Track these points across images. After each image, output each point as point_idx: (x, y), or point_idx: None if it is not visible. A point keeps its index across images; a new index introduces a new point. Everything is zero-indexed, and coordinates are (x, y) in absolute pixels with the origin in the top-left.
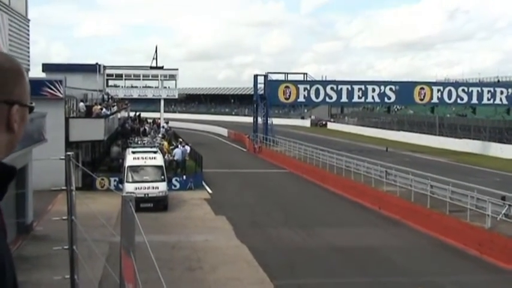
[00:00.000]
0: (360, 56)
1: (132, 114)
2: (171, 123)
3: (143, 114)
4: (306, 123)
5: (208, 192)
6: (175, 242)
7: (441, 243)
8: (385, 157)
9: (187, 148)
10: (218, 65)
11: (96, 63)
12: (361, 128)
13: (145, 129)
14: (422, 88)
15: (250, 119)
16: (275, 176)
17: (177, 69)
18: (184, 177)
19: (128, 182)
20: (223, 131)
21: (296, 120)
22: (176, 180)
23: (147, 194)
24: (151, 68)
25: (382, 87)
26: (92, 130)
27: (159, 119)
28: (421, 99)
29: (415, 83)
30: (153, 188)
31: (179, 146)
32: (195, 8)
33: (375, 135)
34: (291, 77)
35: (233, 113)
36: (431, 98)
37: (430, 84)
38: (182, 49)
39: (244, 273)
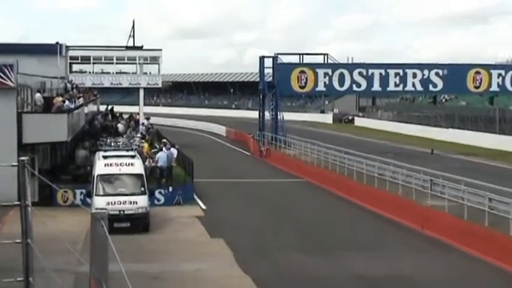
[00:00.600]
0: (395, 33)
1: (103, 108)
2: (153, 120)
3: (117, 108)
4: (327, 118)
5: (201, 208)
6: (158, 272)
7: (504, 273)
8: (429, 162)
9: (174, 151)
10: (213, 44)
11: (57, 43)
12: (399, 124)
13: (119, 128)
14: (477, 72)
15: (254, 114)
16: (287, 186)
17: (160, 50)
18: (170, 188)
19: (98, 195)
20: (221, 130)
21: (314, 115)
22: (160, 192)
23: (123, 211)
24: (128, 48)
25: (426, 72)
26: (52, 129)
27: (138, 114)
28: (477, 87)
29: (468, 66)
30: (131, 202)
31: (163, 148)
32: None
33: (417, 133)
34: (307, 59)
35: (233, 106)
36: (490, 85)
37: (488, 67)
38: (167, 25)
39: None
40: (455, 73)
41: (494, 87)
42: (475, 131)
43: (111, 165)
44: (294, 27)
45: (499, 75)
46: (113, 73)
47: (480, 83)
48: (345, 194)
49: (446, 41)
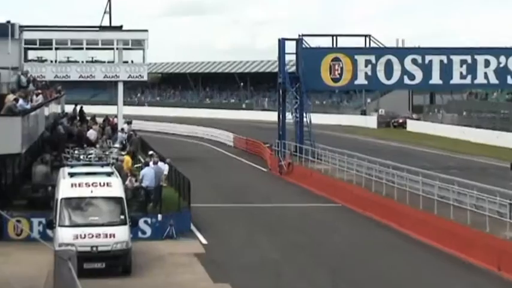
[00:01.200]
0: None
1: (69, 108)
2: (136, 124)
3: (88, 109)
4: (370, 122)
5: (201, 242)
6: None
7: None
8: (509, 180)
9: (164, 167)
10: (216, 23)
11: (8, 22)
12: (466, 129)
13: (91, 135)
14: None
15: (272, 116)
16: (315, 213)
17: (145, 31)
18: (159, 216)
19: (62, 226)
20: (227, 137)
21: (352, 118)
22: (146, 222)
23: (96, 247)
24: (102, 28)
25: (503, 59)
26: (0, 137)
27: (116, 116)
28: None
29: None
30: (106, 236)
31: (150, 163)
32: None
33: (490, 141)
34: (342, 42)
35: (243, 106)
36: None
37: None
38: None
39: None
40: None
41: None
42: None
43: (80, 185)
44: (322, 2)
45: None
46: (83, 62)
47: None
48: (395, 223)
49: None
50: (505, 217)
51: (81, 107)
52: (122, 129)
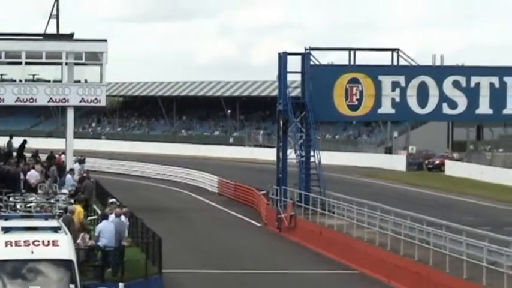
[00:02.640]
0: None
1: (2, 141)
2: (90, 163)
3: (28, 143)
4: (397, 162)
5: None
6: None
7: None
8: None
9: (125, 222)
10: (197, 31)
11: None
12: None
13: (31, 177)
14: None
15: (269, 154)
16: (328, 283)
17: (104, 41)
18: (121, 286)
19: None
20: (210, 181)
21: (374, 157)
22: None
23: None
24: (47, 37)
25: None
26: None
27: (63, 153)
28: None
29: None
30: None
31: (109, 214)
32: None
33: None
34: (362, 59)
35: (231, 141)
36: None
37: None
38: None
39: None
40: None
41: None
42: None
43: (16, 244)
44: (338, 2)
45: None
46: (21, 81)
47: None
48: None
49: None
50: None
51: (24, 141)
52: (72, 170)
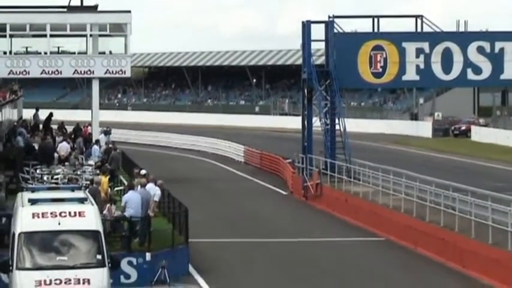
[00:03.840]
0: None
1: (28, 113)
2: (116, 134)
3: (54, 115)
4: (424, 129)
5: None
6: None
7: None
8: None
9: (155, 190)
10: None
11: None
12: None
13: (60, 149)
14: None
15: (295, 122)
16: (354, 250)
17: (128, 12)
18: (148, 256)
19: (21, 269)
20: (236, 151)
21: (400, 123)
22: (131, 263)
23: None
24: (70, 9)
25: None
26: None
27: (89, 124)
28: None
29: None
30: (79, 281)
31: (136, 185)
32: None
33: None
34: (386, 26)
35: (257, 109)
36: None
37: None
38: None
39: None
40: None
41: None
42: None
43: (44, 215)
44: None
45: None
46: (46, 53)
47: None
48: (456, 263)
49: None
50: None
51: (51, 113)
52: (98, 141)
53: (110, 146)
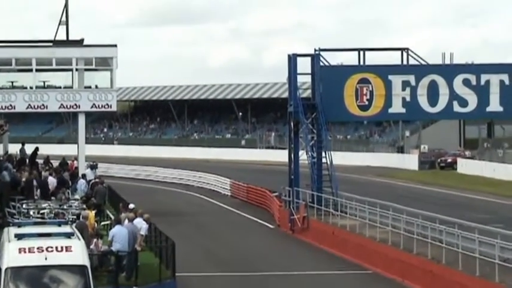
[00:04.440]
0: None
1: (14, 148)
2: (103, 168)
3: (40, 149)
4: (410, 161)
5: None
6: None
7: None
8: None
9: (142, 225)
10: (208, 34)
11: None
12: None
13: (45, 183)
14: None
15: (281, 156)
16: (342, 283)
17: (114, 46)
18: None
19: None
20: (222, 184)
21: (386, 157)
22: None
23: None
24: (57, 43)
25: None
26: None
27: (75, 159)
28: None
29: None
30: None
31: (122, 220)
32: None
33: None
34: (372, 59)
35: (243, 143)
36: None
37: None
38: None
39: None
40: None
41: None
42: None
43: (30, 250)
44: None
45: None
46: (32, 88)
47: None
48: None
49: None
50: None
51: (36, 148)
52: (84, 176)
53: (96, 180)
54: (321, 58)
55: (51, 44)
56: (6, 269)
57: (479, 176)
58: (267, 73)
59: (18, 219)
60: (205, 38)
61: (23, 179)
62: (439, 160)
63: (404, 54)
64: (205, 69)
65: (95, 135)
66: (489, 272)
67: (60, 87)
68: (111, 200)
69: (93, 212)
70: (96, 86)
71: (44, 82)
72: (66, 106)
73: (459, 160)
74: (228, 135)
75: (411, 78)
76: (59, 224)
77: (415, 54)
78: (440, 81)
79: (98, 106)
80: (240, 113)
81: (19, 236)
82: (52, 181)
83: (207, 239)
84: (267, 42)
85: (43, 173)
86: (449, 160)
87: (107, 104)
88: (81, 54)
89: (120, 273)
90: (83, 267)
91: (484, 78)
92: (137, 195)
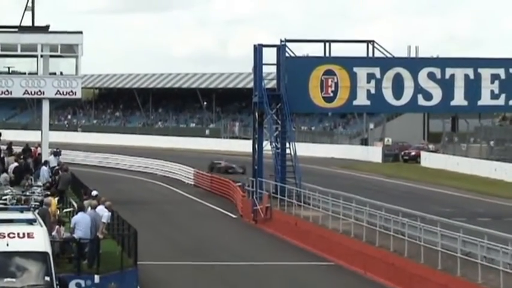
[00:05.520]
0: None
1: None
2: (66, 155)
3: (6, 135)
4: (374, 154)
5: None
6: None
7: None
8: None
9: (104, 212)
10: (173, 23)
11: None
12: (498, 164)
13: (8, 169)
14: None
15: (245, 146)
16: (303, 275)
17: (80, 33)
18: (96, 278)
19: None
20: (186, 173)
21: (350, 149)
22: (79, 285)
23: None
24: (22, 29)
25: None
26: None
27: (39, 145)
28: None
29: None
30: None
31: (86, 207)
32: None
33: None
34: (337, 50)
35: (207, 133)
36: None
37: None
38: None
39: None
40: None
41: None
42: None
43: None
44: None
45: None
46: None
47: None
48: (405, 287)
49: None
50: None
51: None
52: (47, 162)
53: (59, 167)
54: (287, 49)
55: (16, 29)
56: None
57: (443, 169)
58: (232, 63)
59: None
60: (170, 26)
61: None
62: (402, 153)
63: (370, 46)
64: (171, 57)
65: (59, 121)
66: (451, 265)
67: (24, 74)
68: (73, 188)
69: (56, 199)
70: (61, 73)
71: (8, 68)
72: (31, 92)
73: (423, 153)
74: (193, 125)
75: (376, 71)
76: (21, 211)
77: (381, 46)
78: (405, 74)
79: (63, 93)
80: (205, 103)
81: None
82: (10, 167)
83: (170, 228)
84: (233, 31)
85: (6, 159)
86: (412, 153)
87: (72, 91)
88: (46, 41)
89: (82, 260)
90: (45, 253)
91: (448, 72)
92: (100, 183)
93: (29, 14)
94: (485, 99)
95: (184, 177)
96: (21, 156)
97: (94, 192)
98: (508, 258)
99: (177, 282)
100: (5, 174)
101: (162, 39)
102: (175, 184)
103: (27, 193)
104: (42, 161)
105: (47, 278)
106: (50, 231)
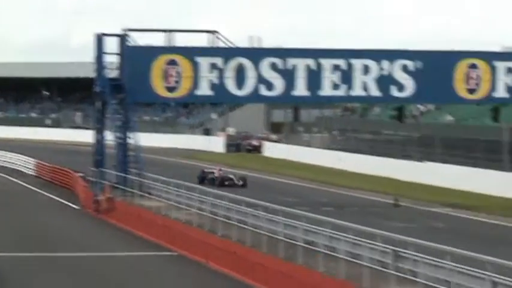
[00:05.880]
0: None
1: None
2: None
3: None
4: (216, 144)
5: None
6: None
7: None
8: (392, 220)
9: None
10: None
11: None
12: (341, 154)
13: None
14: (473, 66)
15: (87, 136)
16: (144, 264)
17: None
18: None
19: None
20: (26, 163)
21: (192, 139)
22: None
23: None
24: None
25: (386, 65)
26: None
27: None
28: (471, 91)
29: (458, 55)
30: None
31: None
32: None
33: (371, 171)
34: (180, 40)
35: (48, 122)
36: (492, 87)
37: (489, 57)
38: None
39: None
40: (436, 67)
41: (500, 92)
42: (469, 165)
43: None
44: None
45: (509, 70)
46: None
47: (477, 85)
48: (247, 277)
49: (424, 14)
50: (387, 268)
51: None
52: None
53: None
54: (131, 39)
55: None
56: None
57: (286, 159)
58: (75, 52)
59: None
60: (10, 14)
61: None
62: (245, 143)
63: (213, 36)
64: (10, 46)
65: None
66: (292, 253)
67: None
68: None
69: None
70: None
71: None
72: None
73: (266, 143)
74: (33, 114)
75: (218, 61)
76: None
77: (223, 36)
78: (248, 64)
79: None
80: (46, 92)
81: None
82: None
83: (9, 219)
84: (75, 20)
85: None
86: (254, 143)
87: None
88: None
89: None
90: None
91: (290, 62)
92: None
93: None
94: (326, 90)
95: (24, 167)
96: None
97: None
98: (349, 247)
99: (14, 274)
100: None
101: (1, 27)
102: (14, 174)
103: None
104: None
105: None
106: None
